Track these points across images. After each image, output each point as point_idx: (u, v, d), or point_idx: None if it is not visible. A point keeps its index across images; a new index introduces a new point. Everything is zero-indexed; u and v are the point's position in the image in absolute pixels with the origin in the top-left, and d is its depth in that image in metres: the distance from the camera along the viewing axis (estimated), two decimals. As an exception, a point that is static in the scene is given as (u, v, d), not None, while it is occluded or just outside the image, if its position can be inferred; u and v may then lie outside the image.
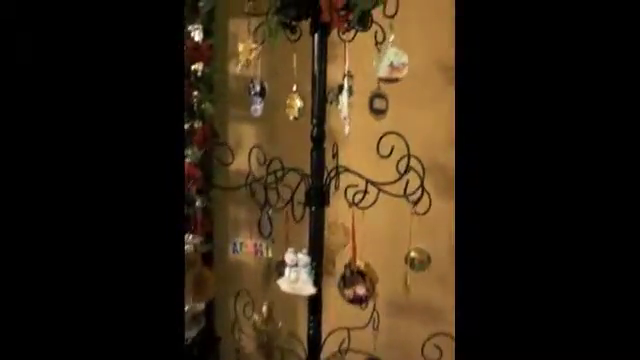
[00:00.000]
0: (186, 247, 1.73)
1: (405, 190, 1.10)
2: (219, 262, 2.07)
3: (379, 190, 1.14)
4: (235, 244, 1.37)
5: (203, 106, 1.82)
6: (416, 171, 1.11)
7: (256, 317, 1.30)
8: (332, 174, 1.23)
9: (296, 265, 1.18)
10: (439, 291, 1.56)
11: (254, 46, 1.18)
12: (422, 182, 1.11)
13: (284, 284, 1.20)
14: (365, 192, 1.14)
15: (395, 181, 1.10)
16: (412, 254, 1.24)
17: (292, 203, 1.20)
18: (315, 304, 1.26)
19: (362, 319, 1.32)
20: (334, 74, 1.20)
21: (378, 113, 1.18)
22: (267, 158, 1.27)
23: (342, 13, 1.05)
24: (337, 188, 1.26)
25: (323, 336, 1.31)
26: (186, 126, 1.80)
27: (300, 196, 1.23)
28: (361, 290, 1.22)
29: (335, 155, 1.29)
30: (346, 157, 1.31)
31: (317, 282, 1.20)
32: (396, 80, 1.12)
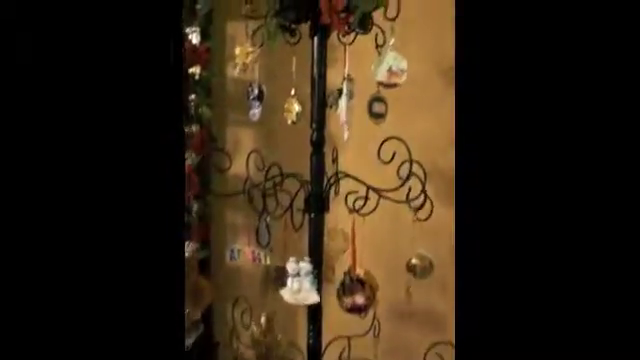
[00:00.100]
0: (183, 253, 1.70)
1: (407, 196, 1.08)
2: (216, 269, 2.05)
3: (380, 196, 1.12)
4: (232, 251, 1.35)
5: (200, 110, 1.80)
6: (417, 176, 1.09)
7: (254, 328, 1.28)
8: (332, 180, 1.21)
9: (298, 274, 1.15)
10: (441, 298, 1.54)
11: (251, 49, 1.16)
12: (424, 188, 1.09)
13: (287, 295, 1.17)
14: (366, 198, 1.12)
15: (397, 188, 1.08)
16: (413, 261, 1.23)
17: (291, 210, 1.18)
18: (315, 313, 1.24)
19: (363, 327, 1.30)
20: (333, 78, 1.19)
21: (377, 117, 1.16)
22: (265, 163, 1.25)
23: (342, 15, 1.04)
24: (337, 194, 1.25)
25: (323, 345, 1.29)
26: (183, 130, 1.78)
27: (299, 202, 1.21)
28: (360, 299, 1.20)
29: (335, 160, 1.27)
30: (345, 162, 1.29)
31: (319, 290, 1.18)
32: (394, 86, 1.11)
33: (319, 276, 1.20)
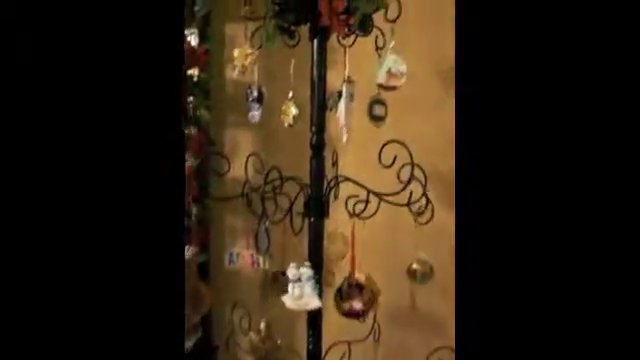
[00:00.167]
0: (181, 257, 1.69)
1: (409, 200, 1.07)
2: (215, 273, 2.04)
3: (380, 200, 1.11)
4: (231, 254, 1.35)
5: (198, 112, 1.79)
6: (418, 180, 1.09)
7: (253, 335, 1.26)
8: (332, 183, 1.20)
9: (299, 280, 1.14)
10: (442, 303, 1.53)
11: (250, 51, 1.15)
12: (425, 191, 1.08)
13: (288, 301, 1.16)
14: (367, 202, 1.11)
15: (399, 192, 1.07)
16: (414, 265, 1.22)
17: (291, 214, 1.17)
18: (315, 318, 1.23)
19: (363, 332, 1.29)
20: (333, 80, 1.18)
21: (378, 120, 1.16)
22: (264, 166, 1.24)
23: (342, 17, 1.03)
24: (336, 197, 1.24)
25: (323, 350, 1.27)
26: (181, 132, 1.77)
27: (298, 206, 1.20)
28: (358, 304, 1.19)
29: (335, 163, 1.26)
30: (345, 165, 1.29)
31: (319, 295, 1.17)
32: (393, 88, 1.11)
33: (320, 281, 1.19)
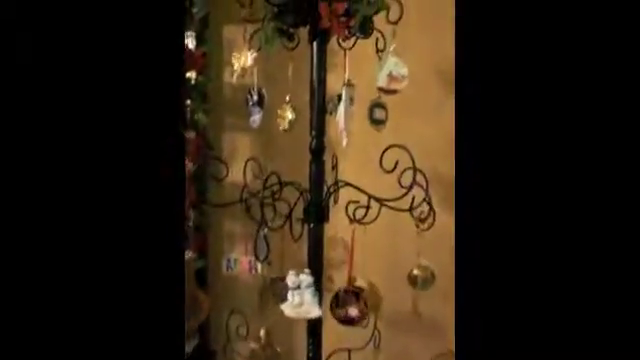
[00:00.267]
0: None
1: (411, 205, 1.05)
2: (213, 279, 2.02)
3: (381, 205, 1.09)
4: (229, 260, 1.35)
5: (196, 116, 1.77)
6: (420, 185, 1.07)
7: (253, 343, 1.25)
8: (332, 189, 1.19)
9: (298, 287, 1.12)
10: (444, 309, 1.51)
11: (249, 54, 1.14)
12: (428, 196, 1.06)
13: (288, 309, 1.14)
14: (368, 208, 1.09)
15: (402, 197, 1.05)
16: (415, 272, 1.21)
17: (290, 220, 1.15)
18: (315, 325, 1.21)
19: (364, 338, 1.27)
20: (332, 83, 1.17)
21: (378, 123, 1.15)
22: (263, 171, 1.22)
23: (343, 19, 1.02)
24: (336, 202, 1.22)
25: (323, 358, 1.26)
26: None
27: (298, 212, 1.18)
28: (353, 311, 1.17)
29: (334, 167, 1.25)
30: (345, 169, 1.28)
31: (319, 302, 1.15)
32: (394, 92, 1.10)
33: (319, 288, 1.17)
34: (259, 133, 1.72)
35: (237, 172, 1.23)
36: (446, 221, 1.13)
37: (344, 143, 1.12)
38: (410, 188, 1.05)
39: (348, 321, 1.18)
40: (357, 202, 1.10)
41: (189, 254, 1.76)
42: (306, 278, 1.13)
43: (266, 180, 1.20)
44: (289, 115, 1.18)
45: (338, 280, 1.24)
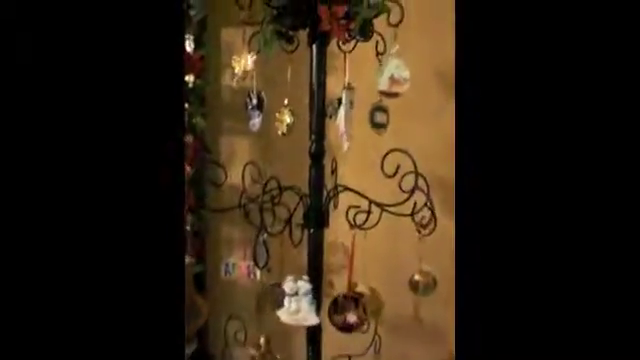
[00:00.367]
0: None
1: (413, 210, 1.04)
2: (212, 284, 2.01)
3: (382, 210, 1.08)
4: (227, 265, 1.34)
5: (194, 120, 1.77)
6: (421, 189, 1.06)
7: (253, 350, 1.23)
8: (331, 193, 1.18)
9: (296, 294, 1.11)
10: (445, 315, 1.50)
11: (249, 57, 1.13)
12: (429, 201, 1.05)
13: (284, 315, 1.13)
14: (368, 213, 1.08)
15: (403, 202, 1.04)
16: (416, 277, 1.20)
17: (290, 225, 1.14)
18: (314, 332, 1.20)
19: (364, 344, 1.26)
20: (332, 87, 1.16)
21: (379, 127, 1.14)
22: (262, 175, 1.21)
23: (343, 22, 1.01)
24: (336, 207, 1.21)
25: (323, 365, 1.24)
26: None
27: (297, 217, 1.17)
28: (352, 318, 1.15)
29: (334, 172, 1.23)
30: (345, 173, 1.26)
31: (318, 309, 1.14)
32: (396, 95, 1.08)
33: (319, 294, 1.16)
34: (258, 137, 1.71)
35: (236, 176, 1.21)
36: (448, 226, 1.12)
37: (345, 147, 1.11)
38: (412, 193, 1.04)
39: (346, 328, 1.16)
40: (358, 207, 1.09)
41: (187, 259, 1.75)
42: (304, 285, 1.11)
43: (265, 185, 1.19)
44: (287, 119, 1.16)
45: (339, 286, 1.23)
